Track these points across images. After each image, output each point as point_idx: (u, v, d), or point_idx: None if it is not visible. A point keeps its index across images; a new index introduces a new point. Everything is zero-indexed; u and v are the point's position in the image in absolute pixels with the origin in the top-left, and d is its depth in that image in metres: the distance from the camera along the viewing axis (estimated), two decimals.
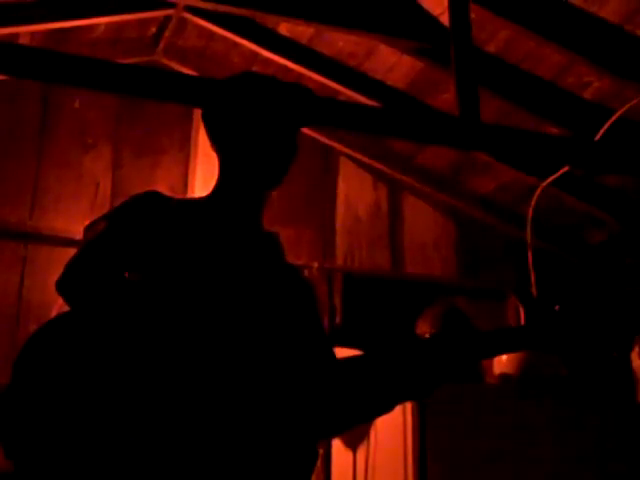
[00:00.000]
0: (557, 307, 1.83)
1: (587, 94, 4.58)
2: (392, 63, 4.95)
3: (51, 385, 1.73)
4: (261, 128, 2.05)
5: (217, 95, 2.15)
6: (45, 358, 1.77)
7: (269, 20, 4.83)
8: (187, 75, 5.09)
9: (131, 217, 1.98)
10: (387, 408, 1.98)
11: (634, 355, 4.28)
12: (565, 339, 1.83)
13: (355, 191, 5.89)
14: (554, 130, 4.69)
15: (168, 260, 1.90)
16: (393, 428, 3.71)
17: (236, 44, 5.11)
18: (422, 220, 5.99)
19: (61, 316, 1.84)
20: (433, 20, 4.38)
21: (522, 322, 5.10)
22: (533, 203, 4.76)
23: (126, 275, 1.89)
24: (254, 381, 1.80)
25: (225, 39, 5.10)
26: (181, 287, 1.86)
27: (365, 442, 3.90)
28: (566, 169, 4.64)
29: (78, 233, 4.74)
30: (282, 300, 2.02)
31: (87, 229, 1.99)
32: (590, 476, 3.84)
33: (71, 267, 1.90)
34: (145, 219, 1.97)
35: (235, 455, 1.72)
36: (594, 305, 1.81)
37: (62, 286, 1.89)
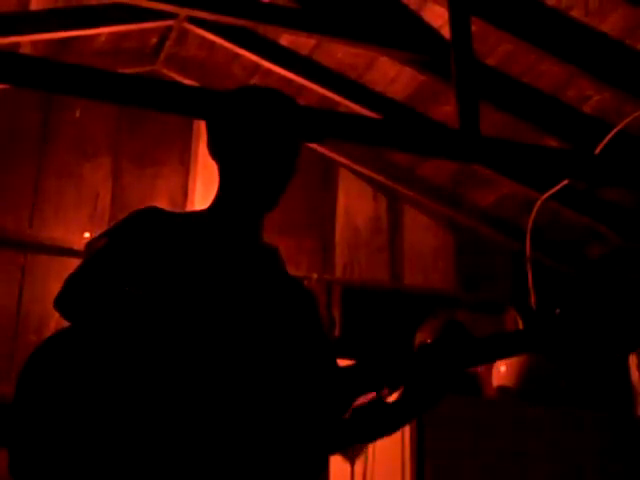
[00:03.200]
0: (557, 311, 1.83)
1: (587, 108, 4.58)
2: (393, 75, 4.96)
3: (55, 400, 1.73)
4: (264, 141, 2.05)
5: (222, 107, 2.15)
6: (48, 374, 1.76)
7: (270, 31, 4.84)
8: (188, 86, 5.11)
9: (131, 233, 1.97)
10: (392, 429, 2.01)
11: (633, 367, 4.28)
12: (565, 342, 1.83)
13: (355, 203, 5.89)
14: (554, 143, 4.69)
15: (169, 275, 1.90)
16: (391, 440, 3.70)
17: (237, 55, 5.13)
18: (421, 232, 5.98)
19: (62, 331, 1.84)
20: (434, 32, 4.39)
21: None
22: (532, 216, 4.77)
23: (127, 291, 1.88)
24: (258, 394, 1.79)
25: (226, 50, 5.11)
26: (182, 302, 1.86)
27: (363, 455, 3.89)
28: (566, 182, 4.65)
29: (77, 243, 4.79)
30: (284, 313, 2.01)
31: (87, 246, 1.99)
32: None
33: (70, 283, 1.89)
34: (145, 235, 1.96)
35: (240, 465, 1.72)
36: (594, 309, 1.81)
37: (61, 302, 1.89)
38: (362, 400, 1.95)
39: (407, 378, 1.91)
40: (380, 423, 1.99)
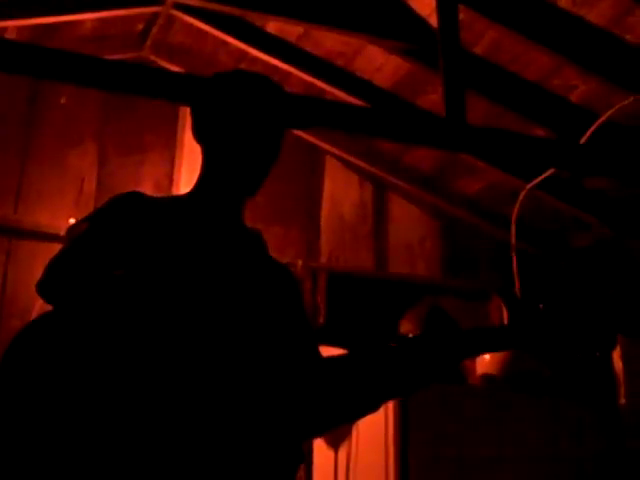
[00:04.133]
0: (541, 306, 1.84)
1: (573, 97, 4.59)
2: (380, 63, 4.96)
3: (39, 386, 1.72)
4: (248, 126, 2.05)
5: (206, 90, 2.15)
6: (31, 360, 1.76)
7: (257, 18, 4.83)
8: (174, 72, 5.10)
9: (112, 218, 1.97)
10: (372, 408, 1.98)
11: (616, 357, 4.30)
12: (548, 338, 1.83)
13: (341, 190, 5.89)
14: (540, 132, 4.70)
15: (151, 259, 1.90)
16: (375, 427, 3.72)
17: (224, 42, 5.11)
18: (407, 220, 6.00)
19: (44, 316, 1.83)
20: (421, 21, 4.39)
21: (505, 322, 5.11)
22: (518, 205, 4.77)
23: (108, 275, 1.88)
24: (238, 378, 1.79)
25: (213, 37, 5.09)
26: (165, 285, 1.86)
27: (347, 441, 3.90)
28: (552, 171, 4.66)
29: (62, 228, 4.78)
30: (266, 296, 2.02)
31: (69, 230, 1.99)
32: (571, 476, 3.85)
33: (52, 267, 1.89)
34: (126, 219, 1.96)
35: (217, 452, 1.72)
36: (577, 305, 1.82)
37: (43, 287, 1.89)
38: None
39: (390, 370, 1.91)
40: (360, 399, 1.98)
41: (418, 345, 1.90)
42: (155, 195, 2.14)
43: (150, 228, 1.96)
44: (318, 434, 2.05)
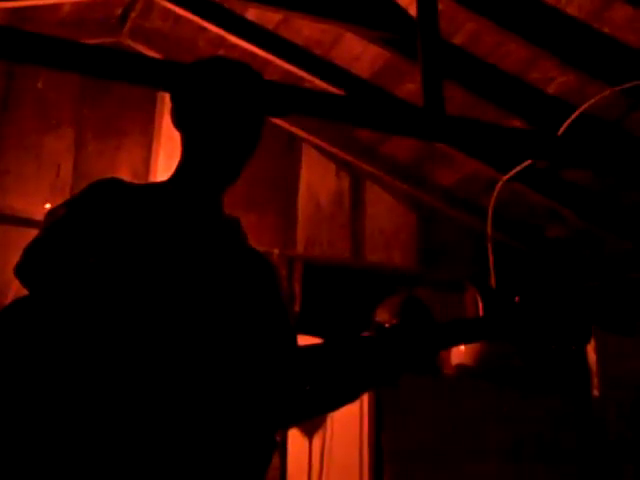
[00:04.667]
0: (517, 299, 1.84)
1: (551, 89, 4.60)
2: (358, 52, 4.95)
3: (11, 372, 1.72)
4: (228, 113, 2.04)
5: (187, 77, 2.14)
6: (6, 345, 1.75)
7: (237, 5, 4.81)
8: (152, 58, 5.08)
9: (91, 203, 1.96)
10: (350, 398, 1.99)
11: (590, 349, 4.32)
12: (524, 331, 1.84)
13: (318, 179, 5.89)
14: (517, 124, 4.71)
15: (128, 246, 1.89)
16: (349, 416, 3.73)
17: (202, 28, 5.09)
18: (384, 210, 6.00)
19: (19, 300, 1.83)
20: (401, 10, 4.39)
21: (480, 313, 5.13)
22: (494, 196, 4.79)
23: (85, 260, 1.87)
24: (213, 365, 1.79)
25: (191, 23, 5.07)
26: (141, 273, 1.85)
27: (321, 430, 3.91)
28: (528, 163, 4.67)
29: (38, 214, 4.75)
30: (244, 285, 2.01)
31: (47, 215, 1.98)
32: (545, 467, 3.87)
33: (30, 251, 1.89)
34: (105, 205, 1.96)
35: (190, 441, 1.72)
36: (553, 298, 1.82)
37: (21, 270, 1.88)
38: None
39: (367, 360, 1.92)
40: (338, 389, 1.99)
41: (395, 335, 1.90)
42: (134, 182, 2.13)
43: (128, 215, 1.95)
44: (295, 423, 2.06)
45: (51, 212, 1.97)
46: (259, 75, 2.14)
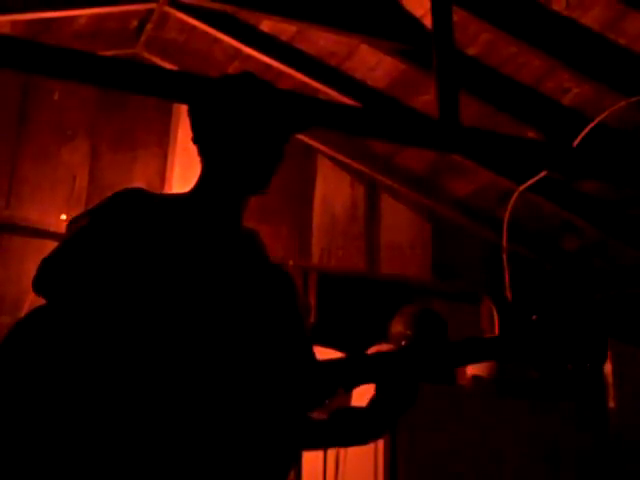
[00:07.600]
0: (535, 317, 1.83)
1: (566, 100, 4.60)
2: (373, 63, 4.95)
3: (34, 382, 1.71)
4: (253, 133, 2.04)
5: (209, 94, 2.14)
6: (26, 356, 1.75)
7: (251, 17, 4.82)
8: (168, 69, 5.10)
9: (113, 213, 1.96)
10: (370, 434, 2.04)
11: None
12: (541, 352, 1.83)
13: (333, 190, 5.89)
14: (533, 135, 4.70)
15: (149, 258, 1.89)
16: None
17: (217, 40, 5.11)
18: (399, 221, 5.99)
19: (38, 310, 1.82)
20: (415, 22, 4.39)
21: (496, 325, 5.11)
22: (509, 207, 4.77)
23: (107, 271, 1.87)
24: (231, 376, 1.79)
25: (207, 34, 5.09)
26: (161, 284, 1.85)
27: None
28: (544, 174, 4.66)
29: (53, 225, 4.76)
30: (261, 297, 2.01)
31: (69, 224, 1.97)
32: (561, 478, 3.85)
33: (51, 261, 1.88)
34: (127, 216, 1.95)
35: (211, 452, 1.72)
36: (570, 317, 1.81)
37: (40, 281, 1.87)
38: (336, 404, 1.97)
39: (382, 380, 1.93)
40: (356, 428, 2.01)
41: (412, 355, 1.90)
42: (156, 193, 2.13)
43: (150, 226, 1.95)
44: (315, 447, 2.07)
45: (73, 221, 1.97)
46: (282, 93, 2.14)
